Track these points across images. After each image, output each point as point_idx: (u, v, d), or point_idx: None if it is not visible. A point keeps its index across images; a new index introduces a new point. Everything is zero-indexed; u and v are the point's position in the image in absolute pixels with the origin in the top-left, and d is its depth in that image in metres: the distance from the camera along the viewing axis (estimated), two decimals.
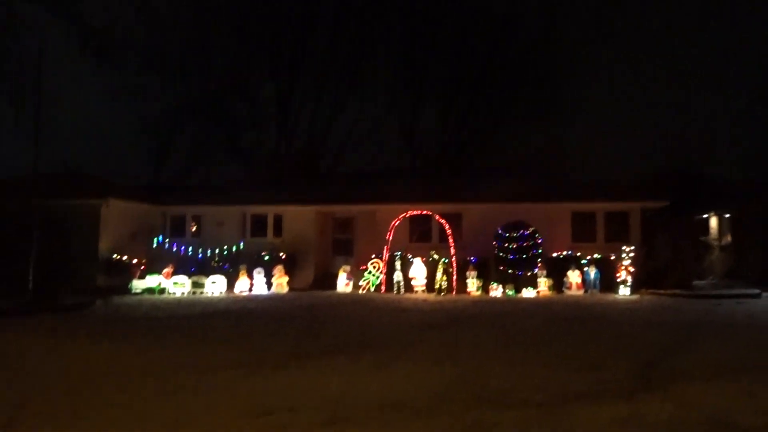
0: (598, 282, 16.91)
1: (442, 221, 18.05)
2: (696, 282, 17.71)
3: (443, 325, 11.14)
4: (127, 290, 17.34)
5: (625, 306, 13.97)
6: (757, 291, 15.59)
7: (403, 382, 6.54)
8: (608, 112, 54.11)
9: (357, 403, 5.73)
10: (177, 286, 17.52)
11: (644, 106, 53.35)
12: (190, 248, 19.61)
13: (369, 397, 5.90)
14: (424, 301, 15.37)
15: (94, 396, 6.13)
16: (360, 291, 17.64)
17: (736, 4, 48.40)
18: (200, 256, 19.35)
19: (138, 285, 17.50)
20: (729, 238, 21.83)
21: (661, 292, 16.31)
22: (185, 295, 17.33)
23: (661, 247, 17.66)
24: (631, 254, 16.76)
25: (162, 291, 17.47)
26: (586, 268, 17.06)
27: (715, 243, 22.10)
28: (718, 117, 46.74)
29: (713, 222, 22.66)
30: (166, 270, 17.77)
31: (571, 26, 36.44)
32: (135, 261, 18.09)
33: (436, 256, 17.53)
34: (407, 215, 18.52)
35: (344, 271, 18.11)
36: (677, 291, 16.17)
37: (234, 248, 19.29)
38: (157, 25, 29.41)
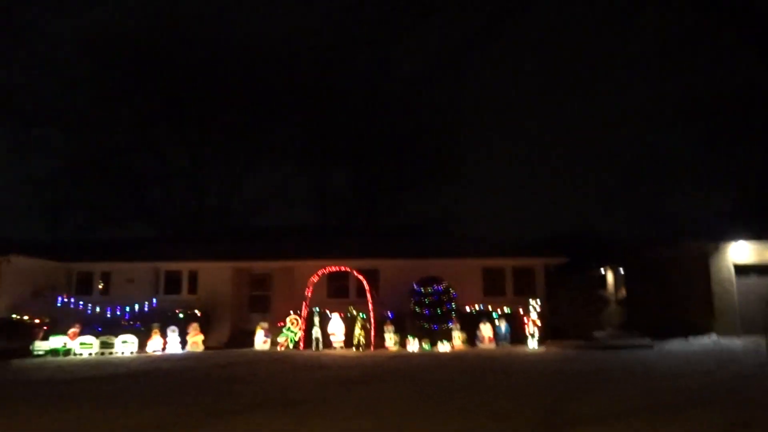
0: (508, 335, 17.72)
1: (360, 277, 18.43)
2: (596, 333, 18.89)
3: (362, 380, 11.34)
4: (28, 353, 16.31)
5: (532, 358, 14.73)
6: (649, 341, 16.88)
7: None
8: (512, 176, 57.99)
9: None
10: (84, 346, 16.67)
11: (544, 171, 57.55)
12: (98, 307, 18.80)
13: None
14: (343, 356, 15.50)
15: None
16: (278, 348, 17.51)
17: (624, 71, 53.50)
18: (108, 314, 18.57)
19: (41, 346, 16.47)
20: (624, 292, 23.53)
21: (565, 343, 17.30)
22: (93, 356, 16.51)
23: (564, 301, 18.82)
24: (538, 308, 17.76)
25: (67, 352, 16.54)
26: (497, 322, 17.86)
27: (612, 296, 23.73)
28: (611, 182, 51.08)
29: (609, 277, 24.39)
30: (72, 330, 16.87)
31: (474, 94, 39.18)
32: (37, 321, 17.09)
33: (354, 312, 17.79)
34: (325, 271, 18.76)
35: (262, 329, 17.94)
36: (579, 343, 17.22)
37: (146, 306, 18.70)
38: (63, 80, 28.86)
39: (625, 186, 39.94)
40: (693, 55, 42.27)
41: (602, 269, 24.58)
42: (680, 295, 19.60)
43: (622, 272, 23.69)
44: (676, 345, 16.43)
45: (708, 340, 16.71)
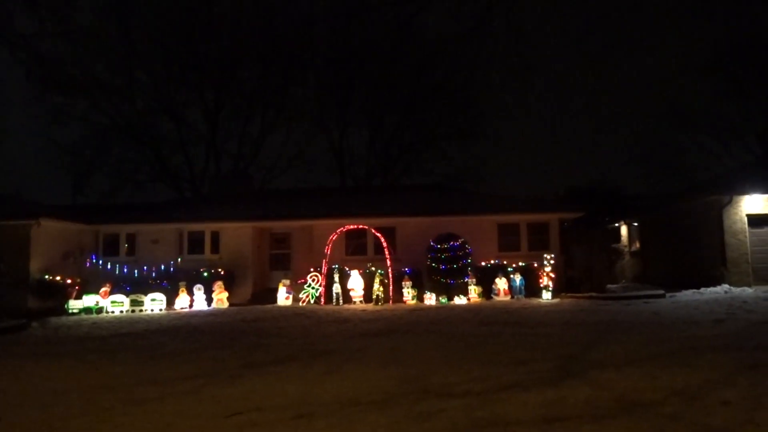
0: (523, 288, 18.16)
1: (378, 234, 18.86)
2: (609, 286, 19.30)
3: (384, 332, 11.82)
4: (62, 311, 17.03)
5: (547, 309, 15.15)
6: (661, 292, 17.26)
7: (355, 383, 7.16)
8: (527, 133, 57.90)
9: (317, 401, 6.33)
10: (115, 305, 17.41)
11: (561, 128, 57.34)
12: (125, 267, 19.47)
13: (326, 397, 6.52)
14: (363, 311, 16.03)
15: (66, 410, 6.39)
16: (300, 304, 18.12)
17: (642, 36, 52.69)
18: (135, 274, 19.25)
19: (75, 305, 17.25)
20: (638, 245, 23.85)
21: (579, 295, 17.73)
22: (124, 313, 17.25)
23: (578, 255, 19.17)
24: (552, 262, 18.15)
25: (100, 310, 17.30)
26: (512, 276, 18.30)
27: (626, 249, 24.05)
28: (625, 138, 50.98)
29: (624, 230, 24.66)
30: (103, 289, 17.62)
31: (491, 54, 38.76)
32: (69, 281, 17.80)
33: (372, 268, 18.29)
34: (344, 230, 19.19)
35: (284, 285, 18.52)
36: (593, 294, 17.65)
37: (171, 265, 19.32)
38: (84, 47, 29.03)
39: (641, 141, 39.91)
40: (714, 4, 41.39)
41: (617, 223, 24.85)
42: (694, 248, 19.90)
43: (636, 225, 23.96)
44: (688, 295, 16.80)
45: (720, 290, 17.05)
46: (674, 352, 8.40)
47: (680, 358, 7.87)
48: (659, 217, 22.29)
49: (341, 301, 17.92)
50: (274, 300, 18.43)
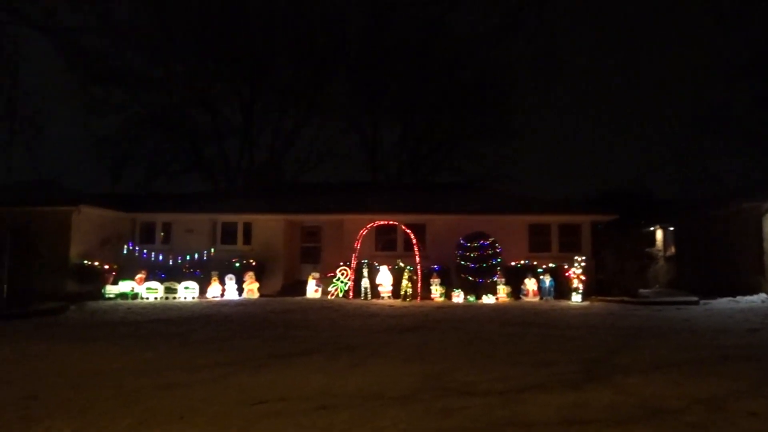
0: (552, 289, 18.01)
1: (408, 231, 18.91)
2: (642, 290, 18.96)
3: (410, 328, 11.88)
4: (98, 296, 17.59)
5: (576, 312, 14.99)
6: (695, 298, 16.90)
7: (379, 378, 7.23)
8: (557, 134, 57.24)
9: (340, 393, 6.42)
10: (150, 291, 17.90)
11: (596, 130, 56.51)
12: (160, 255, 19.96)
13: (349, 390, 6.61)
14: (391, 306, 16.11)
15: (98, 391, 6.63)
16: (329, 297, 18.31)
17: (674, 37, 51.48)
18: (170, 262, 19.71)
19: (111, 290, 17.80)
20: (673, 250, 23.35)
21: (610, 299, 17.48)
22: (158, 300, 17.71)
23: (610, 258, 18.88)
24: (583, 264, 17.93)
25: (135, 296, 17.81)
26: (541, 277, 18.15)
27: (660, 254, 23.57)
28: (657, 142, 49.98)
29: (659, 235, 24.17)
30: (139, 276, 18.13)
31: (521, 53, 38.32)
32: (107, 267, 18.35)
33: (401, 264, 18.36)
34: (374, 225, 19.29)
35: (313, 278, 18.75)
36: (624, 298, 17.37)
37: (205, 255, 19.74)
38: (122, 39, 29.76)
39: (678, 145, 38.99)
40: (752, 9, 40.16)
41: (652, 227, 24.37)
42: (731, 255, 19.40)
43: (672, 230, 23.46)
44: (723, 303, 16.40)
45: (757, 299, 16.61)
46: (703, 360, 8.25)
47: (709, 367, 7.73)
48: (695, 222, 21.79)
49: (369, 296, 18.05)
50: (304, 292, 18.67)
